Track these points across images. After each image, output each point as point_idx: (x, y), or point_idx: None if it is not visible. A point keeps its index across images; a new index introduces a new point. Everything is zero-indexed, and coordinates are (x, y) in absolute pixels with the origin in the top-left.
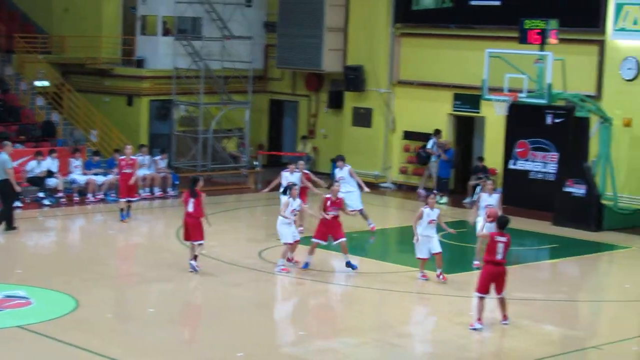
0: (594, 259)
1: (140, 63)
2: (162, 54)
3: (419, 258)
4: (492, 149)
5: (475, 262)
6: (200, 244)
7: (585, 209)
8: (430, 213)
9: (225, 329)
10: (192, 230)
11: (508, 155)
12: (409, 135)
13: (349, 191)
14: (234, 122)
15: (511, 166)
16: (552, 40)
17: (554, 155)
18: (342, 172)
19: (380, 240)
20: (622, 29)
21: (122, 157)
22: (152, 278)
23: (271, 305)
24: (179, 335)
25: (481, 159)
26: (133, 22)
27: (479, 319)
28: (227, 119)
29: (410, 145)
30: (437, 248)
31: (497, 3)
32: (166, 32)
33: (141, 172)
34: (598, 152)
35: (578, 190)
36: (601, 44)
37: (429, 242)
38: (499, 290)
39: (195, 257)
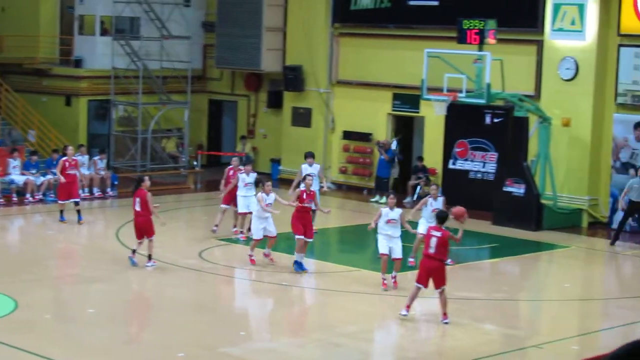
0: (533, 258)
1: (78, 63)
2: (100, 53)
3: (380, 255)
4: (431, 148)
5: (410, 260)
6: (150, 240)
7: (525, 209)
8: (389, 213)
9: (165, 329)
10: (143, 228)
11: (447, 155)
12: (348, 135)
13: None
14: (173, 122)
15: (451, 166)
16: (491, 40)
17: (493, 155)
18: (311, 169)
19: (321, 241)
20: (560, 29)
21: (65, 157)
22: (91, 278)
23: (212, 306)
24: (119, 335)
25: (421, 158)
26: (71, 22)
27: (408, 306)
28: (166, 119)
29: (350, 145)
30: (398, 254)
31: (435, 3)
32: (104, 32)
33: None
34: (537, 151)
35: (517, 189)
36: (539, 44)
37: (390, 241)
38: (437, 285)
39: (149, 256)
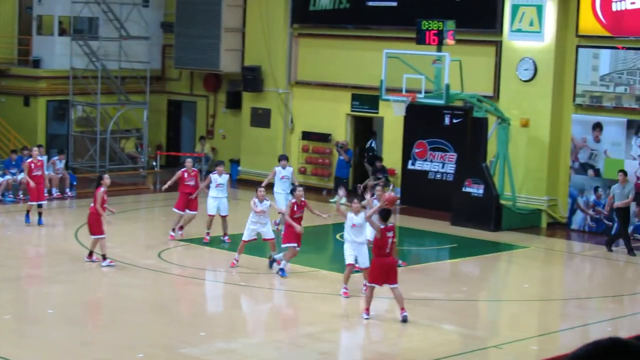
0: (493, 258)
1: (36, 63)
2: (58, 54)
3: (347, 265)
4: (390, 149)
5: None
6: (95, 238)
7: (484, 209)
8: (353, 217)
9: (125, 330)
10: (90, 225)
11: (407, 155)
12: (307, 135)
13: (286, 190)
14: (131, 123)
15: (410, 166)
16: (449, 41)
17: (452, 156)
18: (285, 172)
19: (281, 241)
20: (519, 30)
21: (29, 159)
22: (51, 279)
23: (172, 306)
24: (79, 336)
25: (380, 159)
26: (29, 22)
27: (367, 309)
28: (125, 119)
29: (309, 145)
30: (364, 263)
31: (394, 4)
32: (62, 32)
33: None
34: (496, 152)
35: (476, 190)
36: (498, 44)
37: (355, 249)
38: (393, 281)
39: (90, 253)
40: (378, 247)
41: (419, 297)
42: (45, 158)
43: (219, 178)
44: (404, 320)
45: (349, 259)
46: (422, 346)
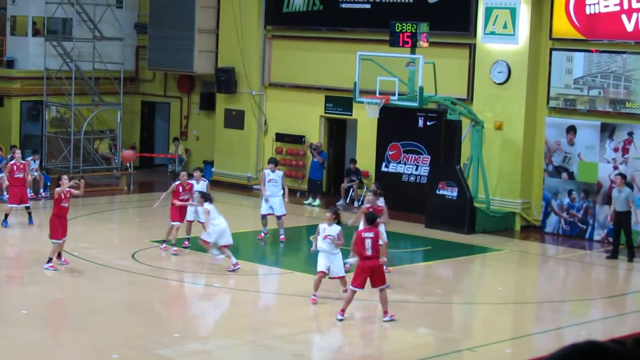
0: (467, 261)
1: (10, 64)
2: (32, 54)
3: (318, 272)
4: (364, 151)
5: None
6: (55, 242)
7: (458, 212)
8: (326, 229)
9: (99, 331)
10: (51, 228)
11: (380, 157)
12: (281, 137)
13: (275, 195)
14: (105, 124)
15: (384, 169)
16: (423, 43)
17: (426, 158)
18: (273, 175)
19: (254, 243)
20: (492, 33)
21: (12, 161)
22: (24, 280)
23: (145, 307)
24: (53, 337)
25: (354, 161)
26: (3, 23)
27: (343, 310)
28: (99, 120)
29: (283, 147)
30: (337, 272)
31: (367, 6)
32: (36, 33)
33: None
34: (470, 155)
35: (450, 193)
36: (472, 47)
37: (329, 258)
38: (377, 283)
39: (59, 255)
40: (360, 249)
41: (393, 300)
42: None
43: (196, 184)
44: (388, 321)
45: (320, 267)
46: (397, 348)
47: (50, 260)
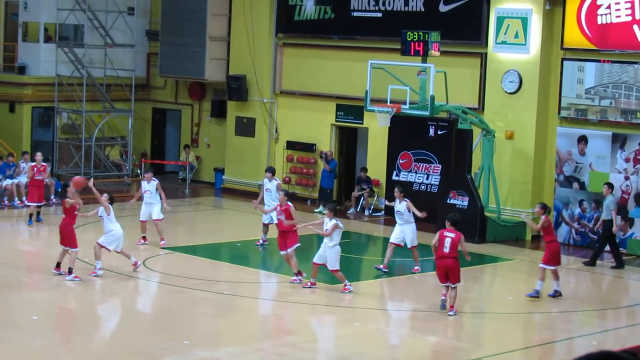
0: (477, 270)
1: (22, 70)
2: (44, 60)
3: (313, 262)
4: (375, 160)
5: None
6: (66, 250)
7: (469, 221)
8: (327, 222)
9: (109, 338)
10: (62, 236)
11: (391, 166)
12: (292, 145)
13: (269, 205)
14: (116, 130)
15: (394, 177)
16: (434, 52)
17: (437, 167)
18: (269, 184)
19: (267, 251)
20: (504, 42)
21: (33, 163)
22: (34, 286)
23: (155, 314)
24: (63, 343)
25: (364, 169)
26: (15, 29)
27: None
28: (110, 127)
29: (294, 155)
30: (332, 265)
31: (379, 15)
32: (48, 39)
33: (23, 179)
34: (481, 164)
35: (461, 202)
36: (483, 56)
37: (325, 250)
38: (453, 280)
39: (58, 264)
40: (438, 247)
41: (405, 309)
42: (26, 165)
43: (146, 185)
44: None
45: (316, 259)
46: (407, 357)
47: (71, 270)
